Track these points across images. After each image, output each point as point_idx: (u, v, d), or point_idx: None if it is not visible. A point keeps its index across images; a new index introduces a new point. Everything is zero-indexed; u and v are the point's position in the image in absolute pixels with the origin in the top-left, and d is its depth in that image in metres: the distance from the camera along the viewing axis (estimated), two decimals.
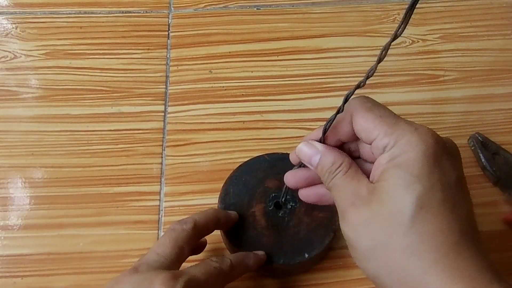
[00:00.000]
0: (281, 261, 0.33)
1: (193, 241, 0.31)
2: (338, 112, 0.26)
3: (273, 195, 0.35)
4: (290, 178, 0.29)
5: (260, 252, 0.33)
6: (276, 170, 0.36)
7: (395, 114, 0.25)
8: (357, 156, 0.28)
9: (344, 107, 0.26)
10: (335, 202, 0.26)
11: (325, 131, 0.27)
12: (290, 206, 0.35)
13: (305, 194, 0.29)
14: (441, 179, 0.23)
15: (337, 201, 0.26)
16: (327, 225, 0.34)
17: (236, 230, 0.34)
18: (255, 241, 0.34)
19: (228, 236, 0.34)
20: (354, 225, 0.24)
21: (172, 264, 0.28)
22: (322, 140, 0.27)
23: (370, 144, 0.25)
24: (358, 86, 0.25)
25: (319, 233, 0.34)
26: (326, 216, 0.35)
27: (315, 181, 0.29)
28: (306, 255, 0.33)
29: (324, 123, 0.27)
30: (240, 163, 0.37)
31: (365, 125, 0.25)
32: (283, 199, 0.35)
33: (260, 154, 0.38)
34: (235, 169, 0.37)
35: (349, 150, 0.28)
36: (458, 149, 0.26)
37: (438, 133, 0.24)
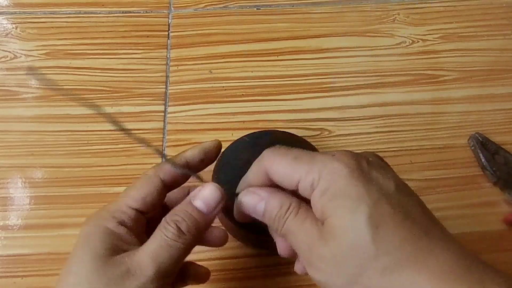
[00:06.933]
0: None
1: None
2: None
3: None
4: (283, 251, 0.27)
5: (211, 144, 0.31)
6: (258, 149, 0.36)
7: (309, 151, 0.25)
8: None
9: (257, 160, 0.25)
10: (294, 248, 0.25)
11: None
12: None
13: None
14: (381, 192, 0.22)
15: (296, 247, 0.24)
16: None
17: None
18: None
19: (237, 223, 0.33)
20: (321, 268, 0.23)
21: None
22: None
23: (296, 189, 0.24)
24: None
25: None
26: None
27: None
28: None
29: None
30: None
31: (283, 170, 0.24)
32: None
33: None
34: (219, 156, 0.37)
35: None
36: (383, 159, 0.25)
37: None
